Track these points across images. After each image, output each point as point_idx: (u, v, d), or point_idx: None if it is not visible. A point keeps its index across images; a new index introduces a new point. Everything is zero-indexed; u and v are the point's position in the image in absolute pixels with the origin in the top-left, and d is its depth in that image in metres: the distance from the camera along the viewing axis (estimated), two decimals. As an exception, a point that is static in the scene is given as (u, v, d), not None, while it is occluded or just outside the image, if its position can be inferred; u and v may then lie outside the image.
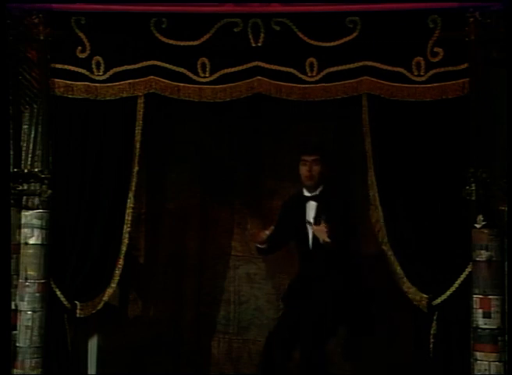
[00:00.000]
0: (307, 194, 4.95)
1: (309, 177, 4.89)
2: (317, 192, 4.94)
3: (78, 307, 4.64)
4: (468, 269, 4.41)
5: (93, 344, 5.14)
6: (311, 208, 4.92)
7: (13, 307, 4.52)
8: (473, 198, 4.35)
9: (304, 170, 4.90)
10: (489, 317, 4.26)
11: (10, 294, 4.45)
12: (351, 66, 4.57)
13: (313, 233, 4.85)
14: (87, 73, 4.67)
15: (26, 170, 4.65)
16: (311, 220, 4.88)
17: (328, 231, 4.72)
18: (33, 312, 4.50)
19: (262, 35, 4.59)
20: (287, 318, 4.90)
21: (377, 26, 4.52)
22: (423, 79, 4.52)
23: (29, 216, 4.54)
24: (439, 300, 4.49)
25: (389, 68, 4.54)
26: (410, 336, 5.30)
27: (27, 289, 4.51)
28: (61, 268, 4.64)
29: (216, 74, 4.63)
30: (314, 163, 4.88)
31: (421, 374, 4.84)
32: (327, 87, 4.60)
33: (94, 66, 4.67)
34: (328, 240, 4.72)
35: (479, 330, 4.28)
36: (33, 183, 4.61)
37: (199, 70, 4.63)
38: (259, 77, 4.63)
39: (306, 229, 4.90)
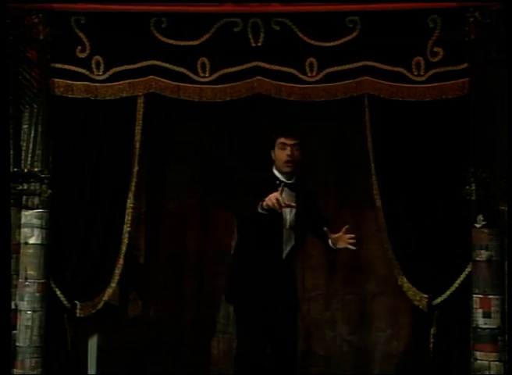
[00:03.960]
0: (283, 179, 4.41)
1: (289, 162, 4.37)
2: (293, 180, 4.44)
3: (78, 307, 4.64)
4: (468, 269, 4.41)
5: (93, 343, 5.13)
6: (287, 196, 4.26)
7: (13, 307, 4.52)
8: (473, 198, 4.36)
9: (282, 154, 4.38)
10: (489, 317, 4.26)
11: (10, 293, 4.45)
12: (351, 66, 4.57)
13: (290, 223, 4.38)
14: (87, 72, 4.67)
15: (26, 170, 4.64)
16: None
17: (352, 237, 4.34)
18: (33, 311, 4.50)
19: (262, 35, 4.59)
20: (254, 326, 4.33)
21: (377, 26, 4.53)
22: (423, 79, 4.52)
23: (29, 216, 4.54)
24: (438, 300, 4.50)
25: (389, 68, 4.55)
26: (410, 336, 5.31)
27: (27, 289, 4.51)
28: (61, 268, 4.64)
29: (216, 74, 4.63)
30: (295, 148, 4.40)
31: (422, 374, 4.85)
32: (327, 88, 4.60)
33: (93, 66, 4.67)
34: (353, 248, 4.36)
35: (479, 329, 4.28)
36: (33, 183, 4.61)
37: (199, 70, 4.63)
38: (259, 77, 4.63)
39: (280, 218, 4.32)
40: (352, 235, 4.32)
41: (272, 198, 4.00)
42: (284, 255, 4.40)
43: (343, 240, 4.33)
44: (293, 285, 4.53)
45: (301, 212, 4.39)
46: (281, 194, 4.05)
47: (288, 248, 4.41)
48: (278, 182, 4.35)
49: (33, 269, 4.51)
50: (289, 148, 4.37)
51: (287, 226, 4.39)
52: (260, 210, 4.08)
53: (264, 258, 4.36)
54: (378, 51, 4.54)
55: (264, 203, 4.02)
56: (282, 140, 4.41)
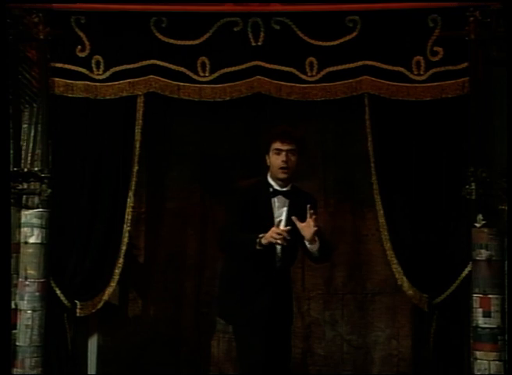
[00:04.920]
0: (277, 187, 4.15)
1: (285, 169, 4.08)
2: (288, 187, 4.17)
3: (78, 306, 4.65)
4: (468, 269, 4.42)
5: (93, 343, 5.13)
6: (281, 205, 4.12)
7: (13, 306, 4.52)
8: (473, 197, 4.36)
9: (278, 160, 4.08)
10: (489, 316, 4.26)
11: (10, 293, 4.45)
12: (351, 65, 4.58)
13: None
14: (87, 72, 4.67)
15: (25, 169, 4.65)
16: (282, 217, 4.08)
17: (318, 230, 3.98)
18: (33, 311, 4.50)
19: (262, 34, 4.60)
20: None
21: (377, 26, 4.54)
22: (423, 78, 4.53)
23: (29, 215, 4.54)
24: (438, 299, 4.51)
25: (389, 67, 4.56)
26: (410, 335, 5.30)
27: (27, 288, 4.50)
28: (61, 267, 4.64)
29: (216, 74, 4.63)
30: (291, 153, 4.10)
31: (422, 373, 4.85)
32: (327, 87, 4.61)
33: (93, 65, 4.67)
34: (316, 240, 3.98)
35: (479, 329, 4.28)
36: (32, 183, 4.61)
37: (199, 69, 4.64)
38: (259, 77, 4.63)
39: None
40: (310, 216, 3.95)
41: (274, 236, 3.85)
42: (277, 266, 4.17)
43: (309, 224, 3.97)
44: (288, 297, 4.33)
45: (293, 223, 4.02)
46: (278, 226, 3.92)
47: (281, 260, 4.16)
48: (271, 190, 4.14)
49: (33, 269, 4.51)
50: (284, 154, 4.08)
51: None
52: (258, 247, 3.91)
53: (256, 272, 4.12)
54: (378, 51, 4.55)
55: (265, 241, 3.88)
56: (278, 145, 4.10)
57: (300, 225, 3.99)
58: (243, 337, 4.14)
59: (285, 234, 3.87)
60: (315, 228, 3.95)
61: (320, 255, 4.10)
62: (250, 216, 4.07)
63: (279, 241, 3.87)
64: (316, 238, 3.99)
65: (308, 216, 3.98)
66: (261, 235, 3.91)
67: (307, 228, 3.97)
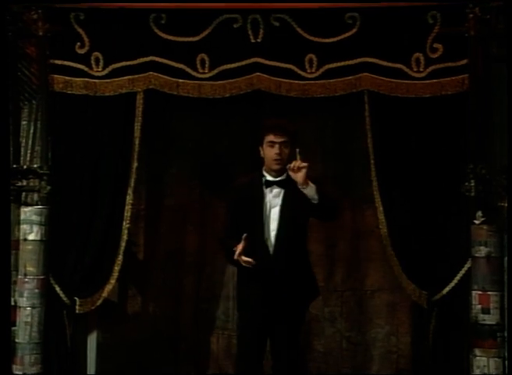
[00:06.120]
0: (270, 178, 4.20)
1: (278, 161, 4.14)
2: (283, 177, 4.19)
3: (77, 303, 4.65)
4: (467, 266, 4.43)
5: (92, 340, 5.13)
6: (275, 194, 4.18)
7: (12, 303, 4.52)
8: (472, 194, 4.37)
9: (271, 153, 4.14)
10: (488, 313, 4.27)
11: (10, 290, 4.45)
12: (350, 62, 4.58)
13: (277, 225, 4.14)
14: (86, 68, 4.67)
15: (25, 166, 4.65)
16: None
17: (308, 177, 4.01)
18: (33, 308, 4.51)
19: (261, 31, 4.59)
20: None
21: (376, 23, 4.53)
22: (422, 75, 4.53)
23: (28, 212, 4.55)
24: (438, 296, 4.51)
25: (389, 64, 4.55)
26: (409, 332, 5.31)
27: (26, 285, 4.51)
28: (60, 264, 4.64)
29: (215, 70, 4.63)
30: (284, 145, 4.15)
31: (421, 370, 4.85)
32: (326, 84, 4.61)
33: (93, 62, 4.67)
34: (309, 183, 4.01)
35: (478, 325, 4.29)
36: (32, 180, 4.61)
37: (198, 66, 4.63)
38: (258, 73, 4.63)
39: (263, 221, 4.15)
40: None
41: (243, 261, 4.00)
42: (274, 265, 4.14)
43: (297, 165, 4.04)
44: (290, 295, 4.23)
45: (287, 215, 4.15)
46: (245, 244, 4.01)
47: (276, 260, 4.16)
48: (264, 180, 4.19)
49: (32, 266, 4.52)
50: (277, 146, 4.14)
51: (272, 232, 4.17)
52: (236, 257, 4.03)
53: (255, 270, 4.09)
54: (377, 48, 4.55)
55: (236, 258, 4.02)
56: (271, 137, 4.16)
57: (291, 173, 4.06)
58: (244, 335, 4.21)
59: (249, 265, 4.02)
60: (304, 166, 4.01)
61: (321, 201, 4.05)
62: (245, 209, 4.18)
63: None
64: (308, 182, 4.02)
65: (298, 158, 4.04)
66: (234, 249, 4.04)
67: (296, 171, 4.04)
